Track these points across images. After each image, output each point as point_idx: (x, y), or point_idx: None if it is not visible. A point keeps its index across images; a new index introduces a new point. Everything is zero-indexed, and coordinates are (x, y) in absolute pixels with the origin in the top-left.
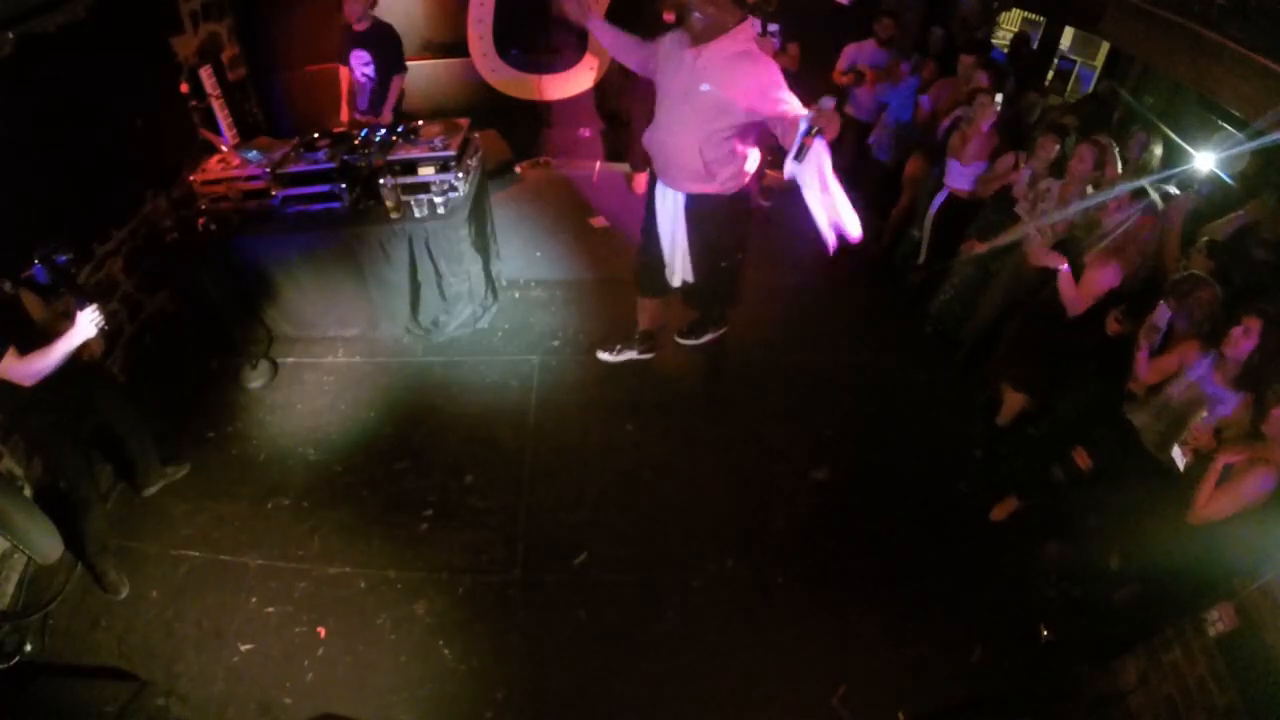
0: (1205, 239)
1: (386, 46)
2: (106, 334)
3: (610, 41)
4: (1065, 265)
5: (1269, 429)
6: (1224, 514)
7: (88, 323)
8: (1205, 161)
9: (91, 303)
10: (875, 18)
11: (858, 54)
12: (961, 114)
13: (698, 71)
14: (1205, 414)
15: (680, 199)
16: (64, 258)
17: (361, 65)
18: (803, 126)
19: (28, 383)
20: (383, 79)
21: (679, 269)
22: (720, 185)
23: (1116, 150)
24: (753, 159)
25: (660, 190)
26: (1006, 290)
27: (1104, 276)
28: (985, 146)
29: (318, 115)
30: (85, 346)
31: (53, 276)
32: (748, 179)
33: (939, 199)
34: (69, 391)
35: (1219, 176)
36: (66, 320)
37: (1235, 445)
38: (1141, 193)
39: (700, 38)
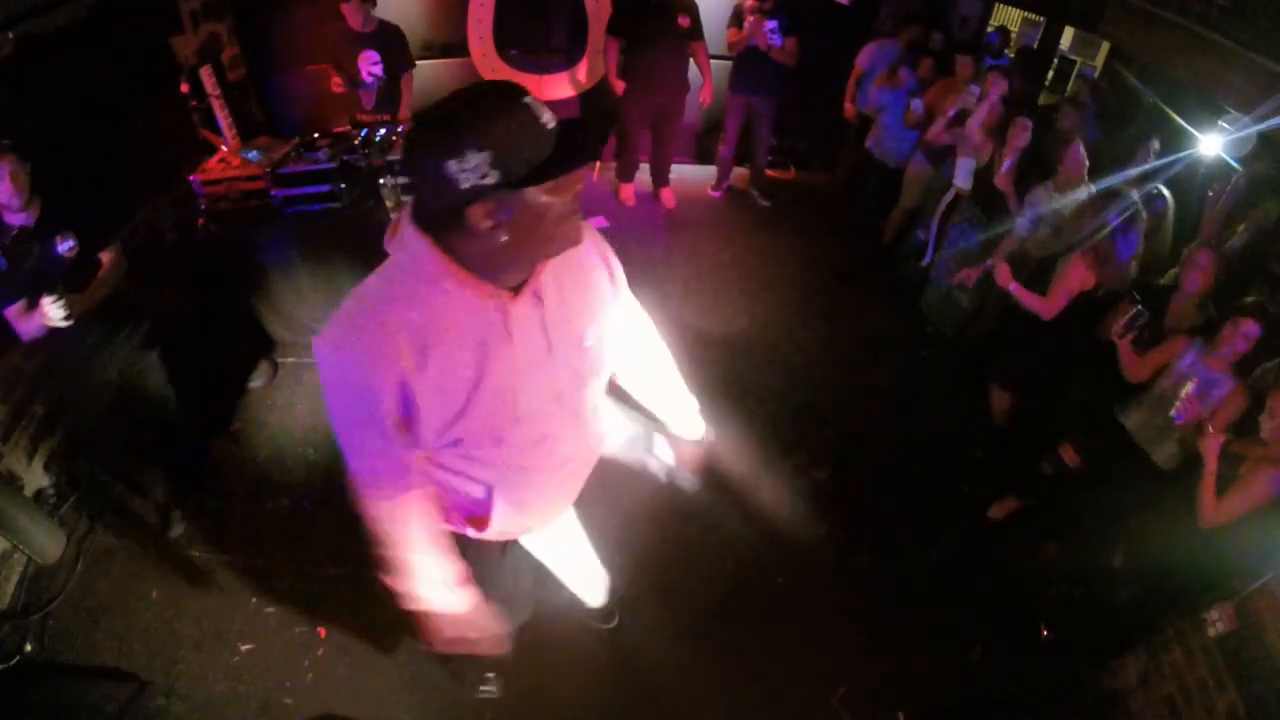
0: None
1: (395, 45)
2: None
3: None
4: (1013, 285)
5: (1271, 433)
6: (1236, 516)
7: (51, 311)
8: (1210, 146)
9: (54, 294)
10: (904, 24)
11: (879, 51)
12: (964, 107)
13: (550, 313)
14: (1192, 385)
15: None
16: (67, 243)
17: (370, 65)
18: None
19: (24, 338)
20: (392, 77)
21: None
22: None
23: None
24: None
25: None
26: (997, 289)
27: (1073, 274)
28: (983, 141)
29: (318, 115)
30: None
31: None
32: None
33: (946, 199)
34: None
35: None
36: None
37: (1238, 443)
38: (1118, 194)
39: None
